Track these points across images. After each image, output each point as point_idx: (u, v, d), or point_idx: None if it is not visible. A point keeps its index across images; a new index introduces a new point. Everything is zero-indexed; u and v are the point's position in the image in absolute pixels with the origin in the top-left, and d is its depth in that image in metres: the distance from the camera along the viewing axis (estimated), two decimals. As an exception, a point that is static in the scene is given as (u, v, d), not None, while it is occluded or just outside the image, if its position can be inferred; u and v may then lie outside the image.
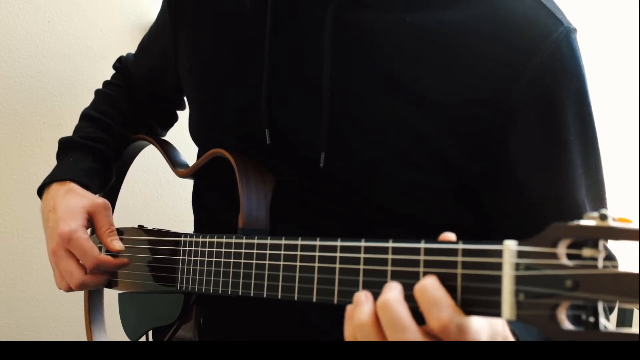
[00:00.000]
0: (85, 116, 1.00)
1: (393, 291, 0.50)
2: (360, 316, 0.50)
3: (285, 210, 0.75)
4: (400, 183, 0.71)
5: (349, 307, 0.53)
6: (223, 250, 0.70)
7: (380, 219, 0.72)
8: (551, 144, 0.69)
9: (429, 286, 0.48)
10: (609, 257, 0.69)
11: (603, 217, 0.41)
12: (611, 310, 0.65)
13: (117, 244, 0.85)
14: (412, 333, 0.47)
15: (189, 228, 0.91)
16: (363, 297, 0.52)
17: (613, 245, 0.67)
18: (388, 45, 0.70)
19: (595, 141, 0.71)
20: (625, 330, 0.40)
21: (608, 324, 0.41)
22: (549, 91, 0.67)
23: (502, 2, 0.69)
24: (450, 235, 0.52)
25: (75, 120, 1.01)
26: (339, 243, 0.58)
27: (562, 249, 0.43)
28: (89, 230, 0.87)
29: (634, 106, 1.48)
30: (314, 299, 0.59)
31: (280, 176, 0.76)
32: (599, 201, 0.71)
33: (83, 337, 1.34)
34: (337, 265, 0.58)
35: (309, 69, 0.73)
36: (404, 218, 0.72)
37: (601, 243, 0.41)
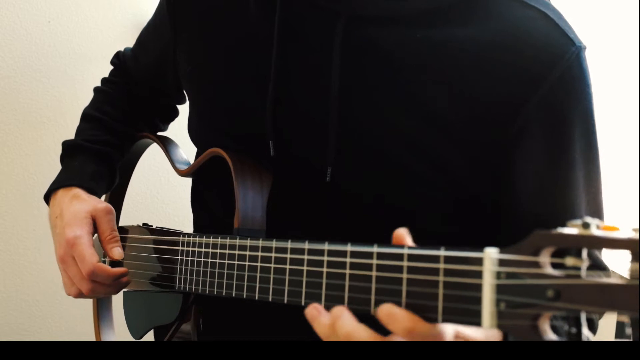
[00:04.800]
0: (86, 117, 0.99)
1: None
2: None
3: (289, 219, 0.75)
4: (404, 195, 0.71)
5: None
6: (218, 251, 0.70)
7: (384, 229, 0.71)
8: (556, 162, 0.69)
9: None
10: (601, 267, 0.69)
11: (586, 226, 0.39)
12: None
13: (116, 252, 0.85)
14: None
15: (189, 228, 0.90)
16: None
17: (607, 255, 0.67)
18: (397, 61, 0.70)
19: (597, 158, 0.72)
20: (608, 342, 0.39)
21: (590, 335, 0.40)
22: (558, 111, 0.68)
23: (514, 20, 0.69)
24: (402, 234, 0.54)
25: (75, 120, 1.00)
26: (326, 247, 0.58)
27: (545, 258, 0.42)
28: (95, 236, 0.87)
29: (634, 108, 1.47)
30: (302, 302, 0.59)
31: (284, 185, 0.76)
32: (595, 214, 0.72)
33: (83, 337, 1.34)
34: (325, 269, 0.57)
35: (317, 83, 0.72)
36: (407, 228, 0.71)
37: (584, 252, 0.40)
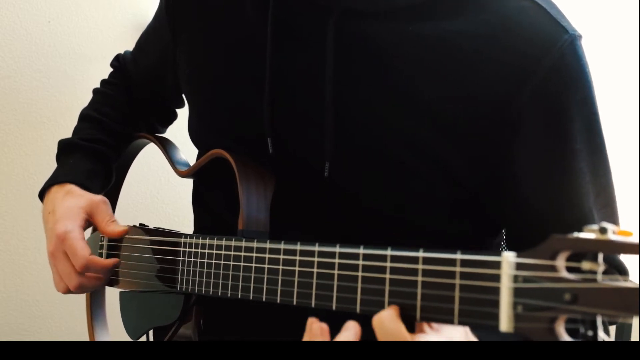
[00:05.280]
0: (84, 117, 0.99)
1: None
2: None
3: (289, 217, 0.75)
4: (402, 193, 0.71)
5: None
6: (223, 252, 0.70)
7: (383, 226, 0.72)
8: (557, 154, 0.68)
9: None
10: (621, 270, 0.68)
11: (603, 231, 0.40)
12: (612, 323, 0.65)
13: (118, 227, 0.84)
14: None
15: (189, 228, 0.91)
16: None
17: (626, 259, 0.67)
18: (390, 55, 0.70)
19: (603, 149, 0.70)
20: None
21: (607, 338, 0.41)
22: (554, 100, 0.67)
23: (506, 11, 0.68)
24: None
25: (75, 120, 1.00)
26: (337, 249, 0.57)
27: (561, 262, 0.43)
28: (89, 230, 0.87)
29: (634, 107, 1.48)
30: (313, 305, 0.59)
31: (283, 184, 0.76)
32: (608, 208, 0.70)
33: (83, 337, 1.34)
34: (336, 272, 0.57)
35: (312, 78, 0.73)
36: (405, 226, 0.72)
37: (600, 256, 0.41)
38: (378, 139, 0.70)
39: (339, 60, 0.71)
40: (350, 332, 0.53)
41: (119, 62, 1.04)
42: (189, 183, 0.92)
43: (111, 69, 1.06)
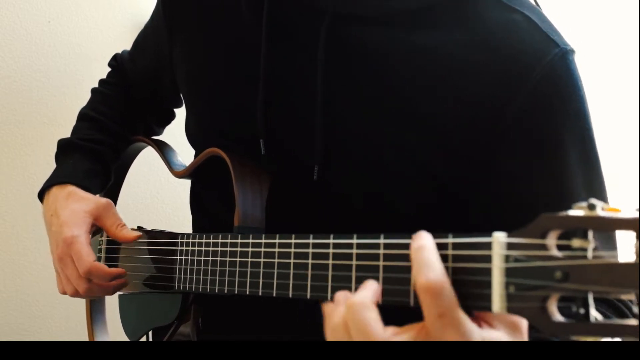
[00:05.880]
0: (83, 116, 1.00)
1: (364, 291, 0.50)
2: (334, 318, 0.50)
3: (283, 218, 0.75)
4: (391, 196, 0.71)
5: (328, 306, 0.52)
6: (219, 249, 0.70)
7: (378, 228, 0.72)
8: (548, 168, 0.67)
9: (426, 247, 0.48)
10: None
11: (591, 207, 0.40)
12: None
13: (132, 233, 0.84)
14: (378, 338, 0.47)
15: (189, 228, 0.91)
16: (341, 297, 0.51)
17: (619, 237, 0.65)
18: (383, 60, 0.70)
19: (596, 163, 0.69)
20: (617, 321, 0.40)
21: (599, 315, 0.41)
22: (543, 114, 0.66)
23: (498, 22, 0.69)
24: None
25: (75, 120, 1.01)
26: (331, 240, 0.58)
27: (551, 240, 0.42)
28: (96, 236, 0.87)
29: (634, 108, 1.48)
30: (308, 296, 0.59)
31: (277, 185, 0.76)
32: None
33: (83, 337, 1.34)
34: (330, 262, 0.57)
35: (304, 80, 0.73)
36: (396, 228, 0.72)
37: (590, 233, 0.41)
38: (369, 143, 0.71)
39: (330, 64, 0.71)
40: (366, 292, 0.51)
41: (116, 61, 1.05)
42: (188, 183, 0.92)
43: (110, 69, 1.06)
